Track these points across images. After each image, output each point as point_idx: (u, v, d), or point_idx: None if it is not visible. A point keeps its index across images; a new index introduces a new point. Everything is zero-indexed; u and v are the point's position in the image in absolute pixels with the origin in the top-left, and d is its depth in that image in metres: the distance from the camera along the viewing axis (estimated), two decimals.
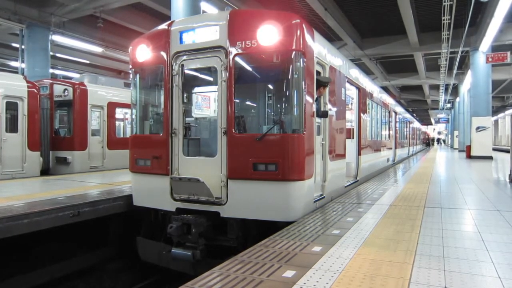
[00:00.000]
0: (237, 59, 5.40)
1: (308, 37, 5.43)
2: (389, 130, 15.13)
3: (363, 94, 9.61)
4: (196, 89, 6.97)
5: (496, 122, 58.04)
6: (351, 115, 9.37)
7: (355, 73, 8.98)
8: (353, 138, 9.03)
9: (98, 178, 9.59)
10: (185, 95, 5.80)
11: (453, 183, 9.19)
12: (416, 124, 35.28)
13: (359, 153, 9.08)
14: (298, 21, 5.21)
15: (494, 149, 23.22)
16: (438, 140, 77.68)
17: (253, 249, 3.80)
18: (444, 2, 13.25)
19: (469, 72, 22.34)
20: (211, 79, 6.45)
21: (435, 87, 36.51)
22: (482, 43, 17.36)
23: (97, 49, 18.49)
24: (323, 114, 6.03)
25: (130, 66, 6.47)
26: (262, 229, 5.19)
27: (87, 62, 25.25)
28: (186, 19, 7.03)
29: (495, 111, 48.42)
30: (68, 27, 17.08)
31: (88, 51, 20.55)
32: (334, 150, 6.70)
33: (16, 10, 14.95)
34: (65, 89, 11.48)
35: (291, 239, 4.10)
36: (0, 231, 4.86)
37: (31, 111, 10.14)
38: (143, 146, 6.25)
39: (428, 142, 59.11)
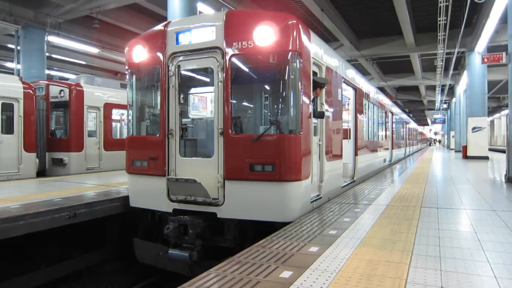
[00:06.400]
0: (234, 59, 5.39)
1: (304, 37, 5.44)
2: (385, 130, 15.17)
3: (359, 95, 9.64)
4: (193, 90, 6.97)
5: (492, 122, 58.37)
6: (347, 115, 9.39)
7: (351, 73, 9.00)
8: (349, 138, 9.05)
9: (94, 180, 9.55)
10: (181, 96, 5.79)
11: (450, 183, 9.22)
12: (413, 125, 35.40)
13: (356, 154, 9.11)
14: (295, 21, 5.22)
15: (490, 149, 23.32)
16: (433, 140, 79.32)
17: (250, 249, 3.79)
18: (440, 3, 13.32)
19: (465, 73, 22.45)
20: (207, 79, 6.44)
21: (432, 88, 36.65)
22: (478, 44, 17.45)
23: (93, 50, 18.44)
24: (319, 115, 6.04)
25: (127, 67, 6.45)
26: (259, 230, 5.19)
27: (83, 63, 25.17)
28: (182, 19, 7.03)
29: (491, 111, 48.70)
30: (64, 28, 17.02)
31: (84, 52, 20.51)
32: (331, 151, 6.70)
33: (11, 11, 14.88)
34: (61, 90, 11.43)
35: (288, 240, 4.10)
36: None
37: (27, 112, 10.10)
38: (139, 147, 6.23)
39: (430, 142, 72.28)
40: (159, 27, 6.00)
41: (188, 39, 5.64)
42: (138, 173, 6.13)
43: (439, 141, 79.42)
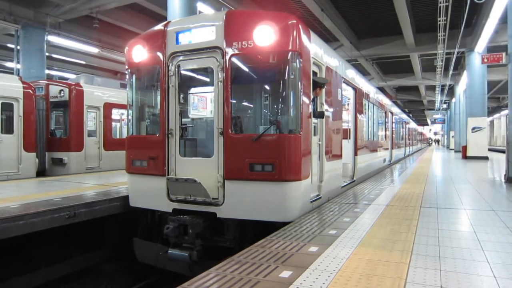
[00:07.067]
0: (234, 59, 5.39)
1: (304, 37, 5.44)
2: (385, 130, 15.18)
3: (359, 95, 9.64)
4: (193, 90, 6.97)
5: (491, 122, 58.40)
6: (347, 115, 9.39)
7: (351, 73, 9.00)
8: (349, 138, 9.06)
9: (94, 179, 9.55)
10: (181, 95, 5.79)
11: (449, 183, 9.23)
12: (412, 125, 35.41)
13: (355, 154, 9.11)
14: (294, 21, 5.22)
15: (489, 150, 23.32)
16: (431, 141, 79.43)
17: (250, 249, 3.79)
18: (440, 3, 13.32)
19: (465, 73, 22.45)
20: (207, 79, 6.44)
21: (431, 88, 36.66)
22: (478, 44, 17.46)
23: (93, 50, 18.44)
24: (319, 115, 6.04)
25: (126, 67, 6.45)
26: (259, 230, 5.19)
27: (83, 63, 25.16)
28: (182, 19, 7.02)
29: (491, 111, 48.70)
30: (64, 27, 17.02)
31: (84, 51, 20.51)
32: (330, 151, 6.70)
33: (11, 11, 14.89)
34: (61, 90, 11.43)
35: (288, 240, 4.10)
36: None
37: (27, 112, 10.09)
38: (139, 147, 6.23)
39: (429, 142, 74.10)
40: (159, 26, 6.00)
41: (188, 39, 5.64)
42: (138, 173, 6.13)
43: (437, 141, 79.16)
